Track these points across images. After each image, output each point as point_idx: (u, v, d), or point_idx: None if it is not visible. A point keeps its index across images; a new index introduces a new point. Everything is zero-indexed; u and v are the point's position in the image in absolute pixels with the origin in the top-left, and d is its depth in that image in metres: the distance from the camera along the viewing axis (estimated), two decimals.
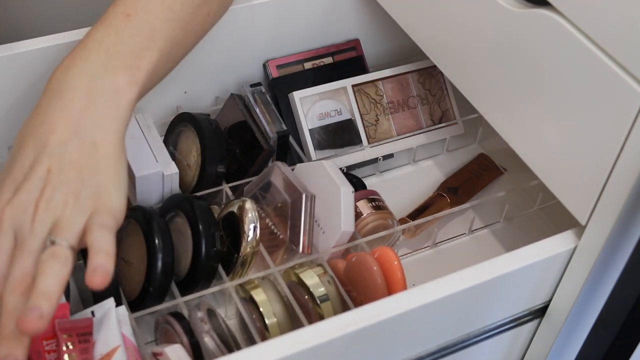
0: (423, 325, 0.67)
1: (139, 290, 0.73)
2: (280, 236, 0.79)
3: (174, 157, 0.85)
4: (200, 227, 0.73)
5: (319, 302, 0.73)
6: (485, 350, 0.75)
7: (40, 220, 0.59)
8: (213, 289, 0.75)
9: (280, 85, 0.93)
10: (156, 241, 0.72)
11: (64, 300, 0.66)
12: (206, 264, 0.74)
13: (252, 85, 0.88)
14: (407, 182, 0.95)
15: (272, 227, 0.80)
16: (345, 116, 0.92)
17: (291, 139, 0.89)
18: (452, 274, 0.66)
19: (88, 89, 0.64)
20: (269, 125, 0.84)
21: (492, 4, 0.70)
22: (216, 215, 0.78)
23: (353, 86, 0.93)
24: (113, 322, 0.65)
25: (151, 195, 0.81)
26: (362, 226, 0.83)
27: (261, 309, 0.73)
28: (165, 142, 0.87)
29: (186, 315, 0.71)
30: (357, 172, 0.93)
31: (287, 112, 0.91)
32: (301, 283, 0.75)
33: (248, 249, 0.75)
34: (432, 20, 0.80)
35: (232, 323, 0.78)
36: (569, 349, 0.75)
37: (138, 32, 0.68)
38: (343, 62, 0.98)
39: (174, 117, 0.88)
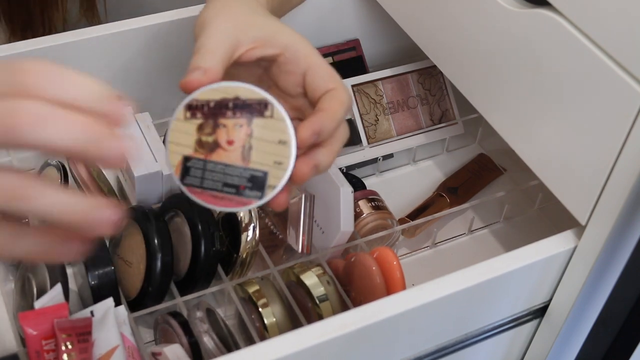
0: (422, 325, 0.67)
1: (138, 290, 0.73)
2: (280, 236, 0.79)
3: None
4: (200, 226, 0.73)
5: (318, 302, 0.73)
6: (484, 351, 0.75)
7: None
8: (212, 289, 0.75)
9: None
10: (155, 241, 0.72)
11: (62, 300, 0.66)
12: (205, 263, 0.74)
13: None
14: (406, 182, 0.95)
15: (272, 226, 0.80)
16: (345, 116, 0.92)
17: None
18: (452, 274, 0.66)
19: None
20: None
21: (492, 3, 0.70)
22: (215, 215, 0.78)
23: (353, 86, 0.93)
24: (112, 322, 0.65)
25: (150, 195, 0.81)
26: (362, 226, 0.83)
27: (260, 309, 0.73)
28: (165, 142, 0.87)
29: (185, 315, 0.71)
30: (357, 172, 0.93)
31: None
32: (300, 283, 0.75)
33: (247, 249, 0.75)
34: (432, 20, 0.80)
35: (232, 323, 0.78)
36: (569, 349, 0.75)
37: None
38: (343, 62, 0.98)
39: None
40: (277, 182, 0.56)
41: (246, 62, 0.62)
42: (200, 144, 0.56)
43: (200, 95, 0.56)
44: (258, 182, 0.56)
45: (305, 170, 0.57)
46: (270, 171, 0.56)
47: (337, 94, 0.60)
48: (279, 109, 0.56)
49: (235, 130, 0.56)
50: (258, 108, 0.56)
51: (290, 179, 0.57)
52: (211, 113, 0.56)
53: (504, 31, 0.70)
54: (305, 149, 0.58)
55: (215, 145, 0.56)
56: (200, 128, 0.56)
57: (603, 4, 0.59)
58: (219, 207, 0.57)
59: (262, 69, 0.64)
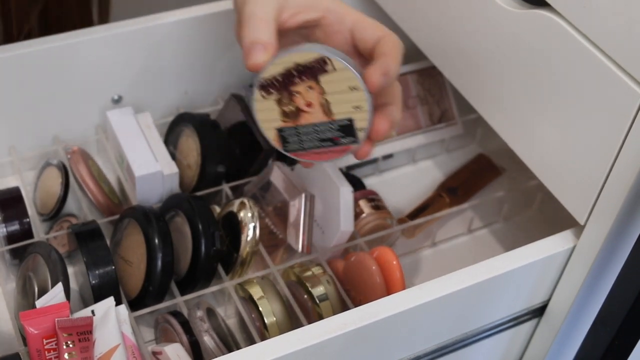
0: (422, 324, 0.67)
1: (139, 289, 0.73)
2: (280, 236, 0.79)
3: (174, 157, 0.85)
4: (200, 226, 0.74)
5: (318, 301, 0.73)
6: (484, 350, 0.75)
7: None
8: (212, 289, 0.75)
9: None
10: (156, 241, 0.72)
11: (64, 299, 0.66)
12: (206, 263, 0.74)
13: (251, 86, 0.88)
14: (406, 182, 0.96)
15: (272, 226, 0.81)
16: None
17: None
18: (451, 273, 0.66)
19: None
20: None
21: (491, 4, 0.70)
22: (216, 215, 0.78)
23: None
24: (113, 321, 0.65)
25: (151, 195, 0.81)
26: (361, 226, 0.83)
27: (260, 309, 0.73)
28: (166, 142, 0.87)
29: (186, 314, 0.72)
30: (357, 172, 0.94)
31: None
32: (300, 282, 0.75)
33: (247, 249, 0.76)
34: (432, 21, 0.80)
35: (232, 322, 0.78)
36: (568, 348, 0.75)
37: None
38: None
39: (174, 117, 0.88)
40: (364, 124, 0.62)
41: (289, 28, 0.64)
42: (285, 114, 0.62)
43: (265, 74, 0.60)
44: (348, 130, 0.62)
45: (385, 127, 0.63)
46: (354, 116, 0.62)
47: (390, 38, 0.63)
48: (337, 59, 0.60)
49: (309, 93, 0.61)
50: (318, 67, 0.60)
51: (370, 137, 0.63)
52: (282, 86, 0.61)
53: (503, 32, 0.70)
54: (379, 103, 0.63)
55: (298, 112, 0.62)
56: (279, 101, 0.61)
57: (601, 5, 0.59)
58: (325, 160, 0.64)
59: (302, 37, 0.66)
